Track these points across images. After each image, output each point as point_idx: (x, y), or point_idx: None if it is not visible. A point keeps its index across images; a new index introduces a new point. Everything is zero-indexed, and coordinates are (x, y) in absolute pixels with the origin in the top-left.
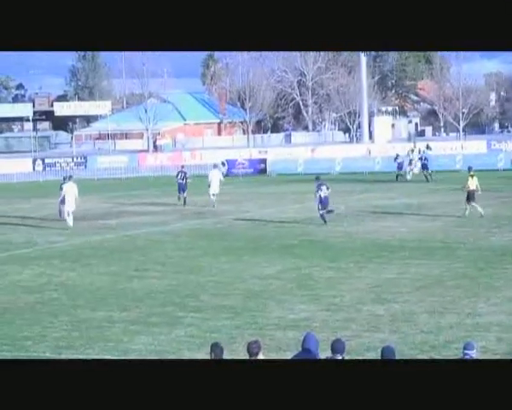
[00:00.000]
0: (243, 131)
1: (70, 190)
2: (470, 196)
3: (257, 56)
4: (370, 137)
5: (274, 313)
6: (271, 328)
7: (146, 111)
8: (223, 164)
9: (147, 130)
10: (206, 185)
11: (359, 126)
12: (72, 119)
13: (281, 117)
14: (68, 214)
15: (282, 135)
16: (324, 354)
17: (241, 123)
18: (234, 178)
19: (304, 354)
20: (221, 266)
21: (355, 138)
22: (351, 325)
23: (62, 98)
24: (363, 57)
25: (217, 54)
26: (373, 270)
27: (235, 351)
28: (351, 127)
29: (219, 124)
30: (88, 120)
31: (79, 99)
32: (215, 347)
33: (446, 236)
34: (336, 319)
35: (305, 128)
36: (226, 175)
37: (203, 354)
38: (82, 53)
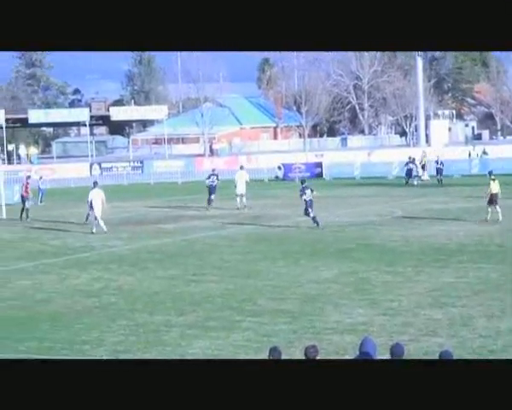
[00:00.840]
0: (299, 134)
1: (96, 197)
2: (493, 200)
3: (312, 60)
4: (427, 140)
5: (331, 318)
6: (329, 332)
7: (202, 115)
8: (279, 168)
9: (203, 134)
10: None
11: (416, 130)
12: (128, 123)
13: (337, 121)
14: (96, 219)
15: (338, 139)
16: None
17: (297, 127)
18: (290, 183)
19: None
20: (278, 270)
21: (411, 142)
22: (408, 330)
23: (119, 103)
24: (420, 60)
25: (272, 58)
26: (431, 274)
27: (293, 355)
28: (407, 131)
29: (275, 128)
30: (144, 124)
31: (136, 104)
32: (273, 351)
33: (503, 239)
34: (394, 324)
35: (362, 132)
36: (283, 179)
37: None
38: (138, 57)
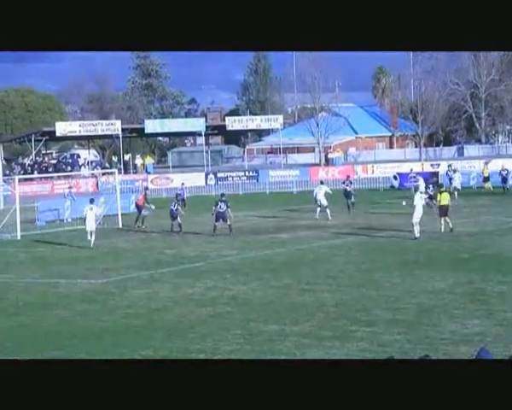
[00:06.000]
0: (415, 144)
1: (90, 212)
2: None
3: (429, 69)
4: None
5: (446, 328)
6: (444, 343)
7: (318, 125)
8: (394, 178)
9: (318, 144)
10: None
11: None
12: (243, 133)
13: (453, 130)
14: (91, 235)
15: (454, 148)
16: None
17: (413, 136)
18: (405, 192)
19: None
20: (393, 280)
21: None
22: None
23: (234, 113)
24: None
25: (388, 67)
26: None
27: None
28: None
29: (391, 137)
30: (260, 134)
31: (251, 113)
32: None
33: None
34: (510, 334)
35: (478, 141)
36: (398, 189)
37: None
38: (254, 67)
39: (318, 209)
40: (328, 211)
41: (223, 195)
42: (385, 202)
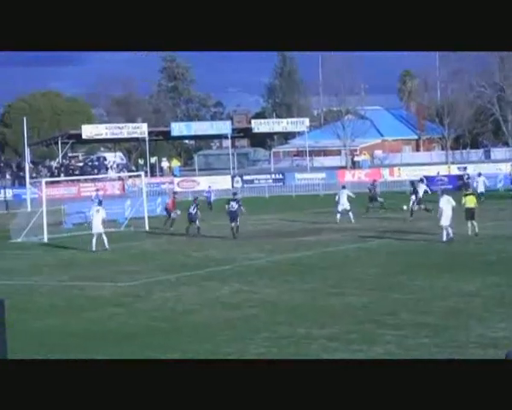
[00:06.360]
0: (442, 147)
1: (96, 215)
2: None
3: (455, 71)
4: None
5: (474, 331)
6: (472, 346)
7: (344, 128)
8: (421, 181)
9: (344, 146)
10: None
11: None
12: (270, 136)
13: (480, 133)
14: (98, 237)
15: (481, 151)
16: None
17: (440, 139)
18: (432, 195)
19: None
20: (420, 283)
21: None
22: None
23: (260, 115)
24: None
25: (414, 70)
26: None
27: None
28: None
29: (417, 140)
30: (286, 136)
31: (277, 116)
32: None
33: None
34: None
35: (505, 144)
36: (425, 192)
37: None
38: (279, 70)
39: (339, 215)
40: (350, 214)
41: (235, 194)
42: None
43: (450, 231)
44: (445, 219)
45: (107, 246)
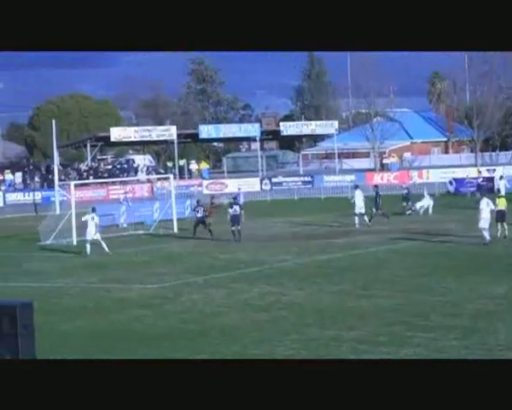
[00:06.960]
0: (471, 149)
1: (91, 222)
2: None
3: (484, 73)
4: None
5: (503, 334)
6: (501, 348)
7: (372, 130)
8: (450, 183)
9: (373, 149)
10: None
11: None
12: (298, 138)
13: (509, 135)
14: (88, 244)
15: (510, 153)
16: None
17: (469, 141)
18: (462, 198)
19: None
20: (449, 285)
21: None
22: None
23: (289, 118)
24: None
25: (442, 72)
26: None
27: None
28: None
29: (446, 142)
30: (315, 139)
31: (306, 119)
32: None
33: None
34: None
35: None
36: (454, 194)
37: None
38: (307, 72)
39: (356, 218)
40: (365, 217)
41: (235, 198)
42: (438, 207)
43: (486, 234)
44: (484, 222)
45: (107, 251)
